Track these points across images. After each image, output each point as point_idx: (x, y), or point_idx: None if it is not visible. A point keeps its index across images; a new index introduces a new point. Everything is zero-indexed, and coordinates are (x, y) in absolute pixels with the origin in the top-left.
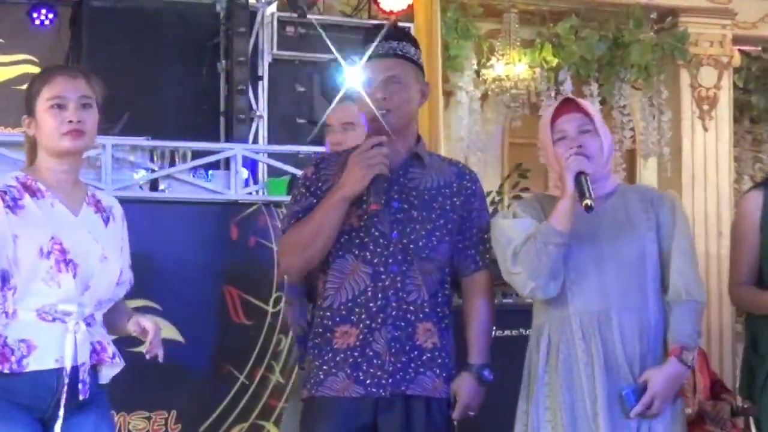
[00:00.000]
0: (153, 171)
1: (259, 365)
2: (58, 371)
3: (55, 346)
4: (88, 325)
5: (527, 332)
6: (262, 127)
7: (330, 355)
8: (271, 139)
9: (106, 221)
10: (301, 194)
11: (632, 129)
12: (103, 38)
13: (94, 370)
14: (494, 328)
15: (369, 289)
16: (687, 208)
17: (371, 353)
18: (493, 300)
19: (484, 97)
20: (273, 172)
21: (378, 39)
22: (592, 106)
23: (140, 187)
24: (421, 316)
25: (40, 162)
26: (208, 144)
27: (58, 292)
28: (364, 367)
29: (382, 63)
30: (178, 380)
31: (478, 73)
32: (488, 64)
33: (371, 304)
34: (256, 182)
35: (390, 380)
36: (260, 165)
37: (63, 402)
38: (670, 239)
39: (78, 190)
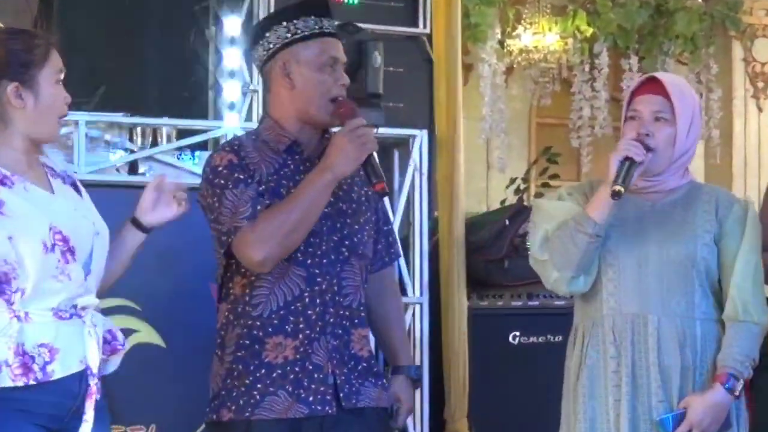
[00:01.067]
0: (132, 152)
1: None
2: (81, 373)
3: (78, 345)
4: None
5: (556, 339)
6: (256, 103)
7: (263, 370)
8: (269, 109)
9: (78, 190)
10: (239, 180)
11: None
12: (76, 0)
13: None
14: (518, 334)
15: (306, 294)
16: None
17: (311, 367)
18: (400, 295)
19: (509, 70)
20: None
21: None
22: (681, 90)
23: (117, 170)
24: (356, 321)
25: (10, 142)
26: (194, 121)
27: (69, 285)
28: (306, 383)
29: (338, 44)
30: (159, 390)
31: (502, 43)
32: (514, 33)
33: (309, 312)
34: None
35: (335, 395)
36: None
37: (91, 405)
38: (734, 251)
39: (35, 164)
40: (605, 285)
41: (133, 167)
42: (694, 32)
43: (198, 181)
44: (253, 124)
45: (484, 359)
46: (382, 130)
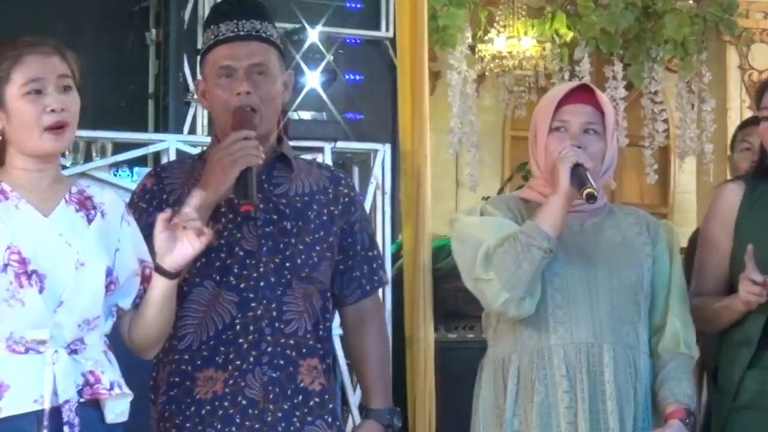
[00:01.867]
0: (64, 168)
1: None
2: (38, 414)
3: (32, 383)
4: (74, 352)
5: None
6: (201, 114)
7: (193, 408)
8: (213, 130)
9: (91, 219)
10: (141, 209)
11: (666, 121)
12: (1, 2)
13: (97, 405)
14: None
15: (237, 321)
16: None
17: (244, 402)
18: (386, 329)
19: (481, 78)
20: None
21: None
22: (608, 103)
23: None
24: (304, 351)
25: (12, 162)
26: (133, 134)
27: (23, 312)
28: (238, 420)
29: (243, 47)
30: None
31: (473, 48)
32: (486, 37)
33: (240, 340)
34: None
35: None
36: None
37: None
38: (666, 277)
39: (57, 186)
40: (552, 312)
41: None
42: (685, 37)
43: None
44: (198, 138)
45: (454, 398)
46: (341, 145)
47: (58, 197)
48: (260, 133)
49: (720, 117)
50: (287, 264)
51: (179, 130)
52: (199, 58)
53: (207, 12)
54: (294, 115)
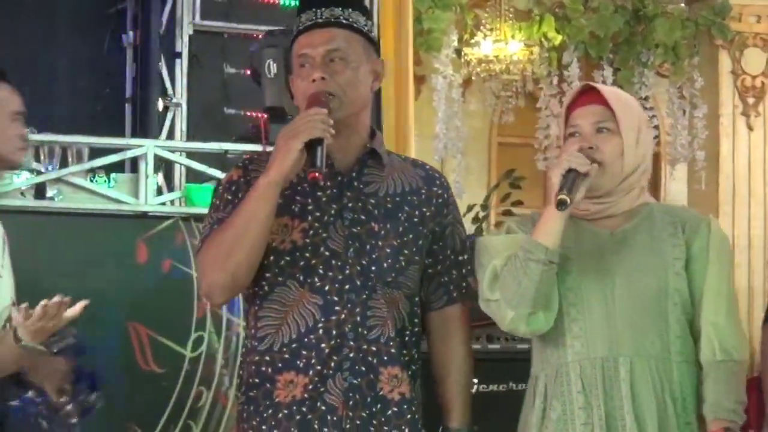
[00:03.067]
0: (39, 173)
1: (173, 425)
2: None
3: None
4: None
5: (519, 387)
6: (179, 119)
7: (270, 411)
8: (192, 135)
9: None
10: (226, 201)
11: (656, 127)
12: None
13: None
14: (476, 381)
15: (320, 325)
16: (725, 230)
17: (324, 408)
18: (470, 342)
19: (467, 83)
20: (194, 176)
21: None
22: (621, 98)
23: (22, 194)
24: (385, 358)
25: None
26: (109, 139)
27: None
28: (316, 426)
29: (320, 34)
30: None
31: (459, 52)
32: (472, 41)
33: (323, 345)
34: (171, 189)
35: None
36: (177, 167)
37: None
38: (703, 277)
39: None
40: (569, 327)
41: (39, 191)
42: (676, 41)
43: (115, 207)
44: (177, 143)
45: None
46: None
47: None
48: (339, 119)
49: (712, 123)
50: (373, 267)
51: (157, 135)
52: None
53: (185, 12)
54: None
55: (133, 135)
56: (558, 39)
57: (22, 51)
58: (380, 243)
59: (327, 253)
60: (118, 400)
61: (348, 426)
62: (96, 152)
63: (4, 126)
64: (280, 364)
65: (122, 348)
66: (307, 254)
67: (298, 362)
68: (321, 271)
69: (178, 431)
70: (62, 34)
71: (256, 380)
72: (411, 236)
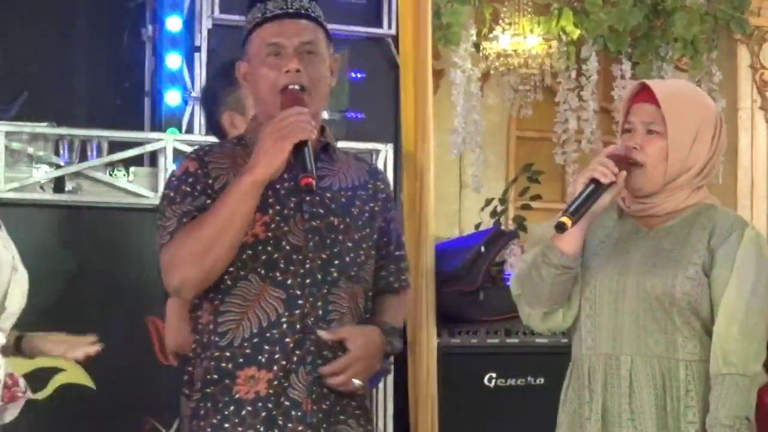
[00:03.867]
0: (58, 167)
1: None
2: None
3: None
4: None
5: (537, 381)
6: (198, 112)
7: (232, 407)
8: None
9: None
10: (185, 193)
11: None
12: None
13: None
14: (495, 376)
15: (284, 319)
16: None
17: (288, 403)
18: (402, 319)
19: (485, 77)
20: None
21: None
22: (676, 98)
23: (41, 187)
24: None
25: None
26: (129, 133)
27: None
28: (281, 422)
29: (292, 24)
30: None
31: (477, 46)
32: (491, 35)
33: (287, 339)
34: None
35: None
36: None
37: None
38: (722, 285)
39: None
40: (584, 322)
41: (59, 184)
42: (695, 35)
43: (133, 200)
44: (196, 137)
45: (456, 404)
46: (342, 144)
47: None
48: (312, 114)
49: (730, 117)
50: (335, 261)
51: (176, 129)
52: (242, 38)
53: (204, 6)
54: None
55: (153, 129)
56: (576, 33)
57: (42, 45)
58: (341, 237)
59: (288, 247)
60: (136, 394)
61: (313, 420)
62: (115, 146)
63: None
64: (240, 360)
65: (142, 341)
66: (269, 248)
67: (260, 357)
68: (282, 265)
69: None
70: (81, 28)
71: (215, 376)
72: (368, 230)
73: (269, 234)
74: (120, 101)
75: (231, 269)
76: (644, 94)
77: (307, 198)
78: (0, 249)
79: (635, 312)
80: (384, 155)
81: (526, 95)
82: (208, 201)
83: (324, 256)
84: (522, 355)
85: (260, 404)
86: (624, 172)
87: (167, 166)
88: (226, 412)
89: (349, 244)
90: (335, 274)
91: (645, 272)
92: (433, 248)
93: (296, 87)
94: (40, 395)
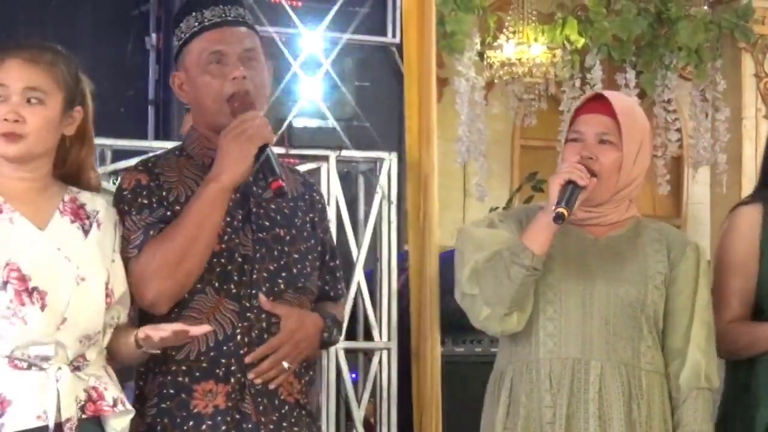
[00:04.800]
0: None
1: None
2: (41, 430)
3: (36, 399)
4: (77, 368)
5: None
6: None
7: (192, 423)
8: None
9: (88, 230)
10: (141, 205)
11: (679, 130)
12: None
13: (98, 422)
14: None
15: (237, 331)
16: None
17: (239, 416)
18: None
19: (490, 86)
20: None
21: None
22: (628, 111)
23: None
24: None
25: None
26: (133, 142)
27: (25, 330)
28: None
29: (233, 32)
30: None
31: (481, 55)
32: (495, 43)
33: (241, 352)
34: None
35: None
36: None
37: None
38: (685, 302)
39: (50, 197)
40: (543, 324)
41: None
42: (699, 43)
43: None
44: None
45: (461, 413)
46: (346, 153)
47: (51, 208)
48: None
49: (734, 126)
50: (283, 273)
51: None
52: (175, 48)
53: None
54: (298, 123)
55: (156, 137)
56: (581, 42)
57: None
58: (287, 248)
59: (240, 259)
60: None
61: (263, 430)
62: (119, 154)
63: None
64: (197, 374)
65: None
66: (223, 260)
67: (217, 371)
68: (236, 277)
69: None
70: (86, 36)
71: (171, 391)
72: (313, 242)
73: (223, 246)
74: (124, 110)
75: None
76: (596, 104)
77: (254, 210)
78: (59, 260)
79: (605, 317)
80: (388, 164)
81: (531, 104)
82: (168, 213)
83: (272, 267)
84: (486, 365)
85: (219, 418)
86: (595, 179)
87: None
88: (185, 427)
89: (296, 256)
90: (282, 286)
91: (614, 279)
92: (437, 257)
93: (244, 91)
94: None
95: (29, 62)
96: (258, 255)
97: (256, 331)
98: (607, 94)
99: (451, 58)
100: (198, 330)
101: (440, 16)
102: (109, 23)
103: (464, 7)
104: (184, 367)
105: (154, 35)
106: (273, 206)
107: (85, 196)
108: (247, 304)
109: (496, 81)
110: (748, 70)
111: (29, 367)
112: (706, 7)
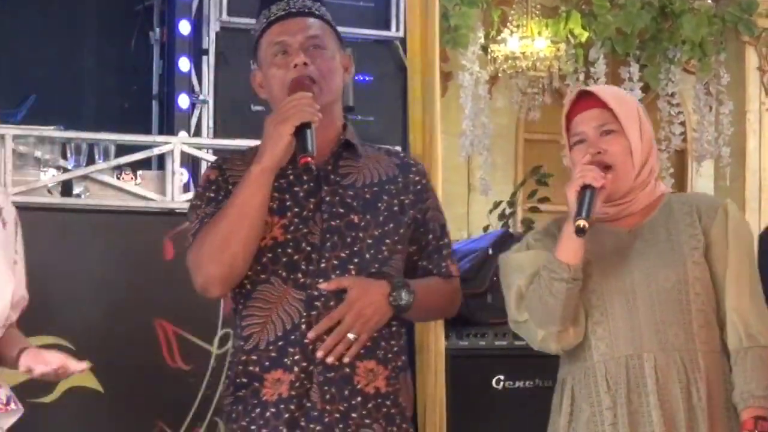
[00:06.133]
0: (65, 170)
1: (199, 422)
2: None
3: None
4: None
5: (546, 383)
6: (206, 116)
7: (258, 410)
8: (219, 131)
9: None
10: (209, 199)
11: (683, 124)
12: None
13: None
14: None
15: (303, 320)
16: (752, 227)
17: (308, 404)
18: (442, 298)
19: (494, 80)
20: None
21: None
22: (617, 95)
23: (49, 191)
24: (361, 352)
25: None
26: (136, 136)
27: None
28: (303, 423)
29: (296, 22)
30: None
31: (485, 49)
32: (499, 37)
33: (306, 341)
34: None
35: None
36: (204, 164)
37: None
38: (724, 263)
39: None
40: (592, 329)
41: (66, 188)
42: (703, 37)
43: (141, 204)
44: (204, 140)
45: (465, 407)
46: None
47: None
48: (320, 106)
49: (738, 120)
50: (355, 260)
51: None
52: (256, 29)
53: (212, 9)
54: None
55: (161, 132)
56: (584, 35)
57: (49, 48)
58: (361, 234)
59: (308, 248)
60: (145, 397)
61: (327, 420)
62: (123, 149)
63: None
64: (267, 363)
65: (150, 345)
66: (289, 250)
67: (285, 360)
68: (303, 267)
69: (204, 428)
70: (89, 31)
71: (244, 380)
72: (392, 225)
73: (288, 236)
74: (128, 105)
75: (251, 273)
76: (583, 102)
77: (327, 198)
78: None
79: (650, 307)
80: None
81: (535, 98)
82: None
83: (343, 255)
84: (530, 358)
85: (282, 406)
86: (610, 174)
87: (175, 169)
88: (253, 415)
89: (370, 241)
90: (354, 272)
91: (652, 266)
92: None
93: (305, 78)
94: (48, 398)
95: None
96: (328, 243)
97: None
98: (590, 88)
99: (455, 52)
100: (77, 366)
101: (444, 10)
102: (112, 18)
103: (468, 1)
104: (254, 357)
105: (158, 30)
106: (351, 192)
107: None
108: (315, 293)
109: (500, 75)
110: (752, 63)
111: None
112: (710, 1)
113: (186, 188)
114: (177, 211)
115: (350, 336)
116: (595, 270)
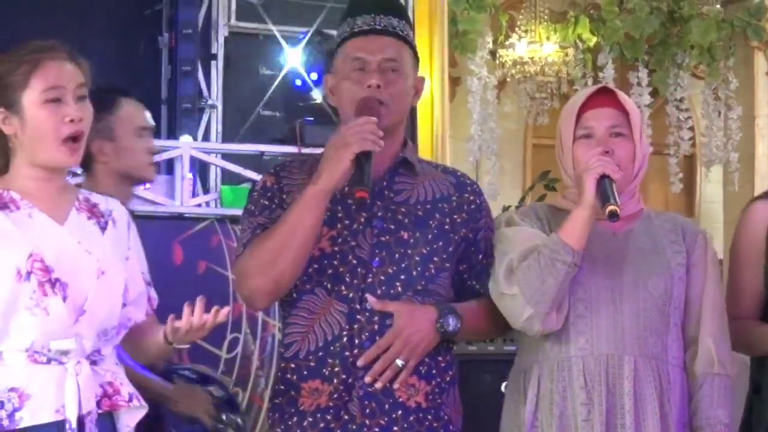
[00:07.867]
0: (75, 174)
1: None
2: (59, 425)
3: (54, 393)
4: (93, 363)
5: None
6: (215, 120)
7: (295, 419)
8: (227, 136)
9: (104, 227)
10: (263, 206)
11: (691, 129)
12: (12, 4)
13: (110, 417)
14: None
15: (345, 333)
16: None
17: (347, 417)
18: (489, 319)
19: (502, 84)
20: (229, 177)
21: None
22: (630, 102)
23: None
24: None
25: (18, 170)
26: None
27: (46, 321)
28: None
29: (378, 41)
30: None
31: (493, 54)
32: (507, 42)
33: (347, 353)
34: (207, 191)
35: None
36: (212, 168)
37: None
38: (700, 288)
39: (65, 194)
40: (574, 322)
41: None
42: (712, 42)
43: (150, 208)
44: (212, 145)
45: (474, 411)
46: None
47: (68, 205)
48: (384, 128)
49: (747, 125)
50: (402, 276)
51: (193, 137)
52: (337, 40)
53: (220, 14)
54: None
55: (169, 136)
56: (593, 40)
57: None
58: (409, 251)
59: (354, 261)
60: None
61: None
62: None
63: (132, 142)
64: (305, 372)
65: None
66: (335, 262)
67: (324, 370)
68: (348, 280)
69: None
70: (98, 35)
71: (281, 387)
72: (441, 243)
73: (336, 248)
74: None
75: (297, 283)
76: (600, 99)
77: (379, 214)
78: (81, 253)
79: (635, 312)
80: None
81: (543, 103)
82: (281, 215)
83: (390, 271)
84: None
85: (320, 415)
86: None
87: (183, 173)
88: (290, 423)
89: (417, 258)
90: (399, 289)
91: (642, 272)
92: None
93: (375, 99)
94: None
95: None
96: (377, 258)
97: (367, 333)
98: (612, 88)
99: (463, 57)
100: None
101: (452, 15)
102: (121, 23)
103: (476, 6)
104: (293, 365)
105: (166, 35)
106: (403, 209)
107: (96, 197)
108: (357, 306)
109: (508, 80)
110: (761, 68)
111: (48, 361)
112: (718, 6)
113: (194, 192)
114: (186, 215)
115: (398, 362)
116: (584, 263)
